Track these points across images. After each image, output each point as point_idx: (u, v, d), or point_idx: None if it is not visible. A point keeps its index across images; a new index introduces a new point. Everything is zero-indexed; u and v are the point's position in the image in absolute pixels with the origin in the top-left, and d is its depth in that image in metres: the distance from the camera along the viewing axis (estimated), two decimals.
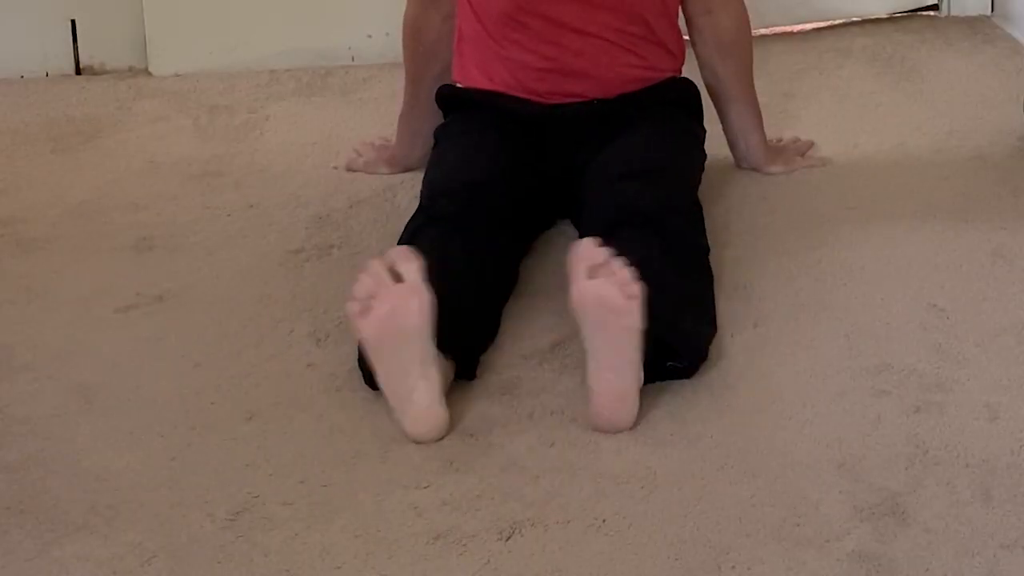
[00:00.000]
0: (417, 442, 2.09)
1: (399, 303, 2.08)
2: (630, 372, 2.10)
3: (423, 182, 2.59)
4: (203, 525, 1.94)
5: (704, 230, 2.50)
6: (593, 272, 2.09)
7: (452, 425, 2.13)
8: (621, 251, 2.32)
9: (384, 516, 1.95)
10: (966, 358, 2.27)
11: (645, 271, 2.28)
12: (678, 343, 2.19)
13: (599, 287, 2.08)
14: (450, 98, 2.77)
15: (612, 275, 2.08)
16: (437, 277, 2.30)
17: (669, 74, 2.74)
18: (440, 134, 2.72)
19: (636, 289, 2.08)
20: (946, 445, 2.06)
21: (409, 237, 2.40)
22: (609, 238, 2.35)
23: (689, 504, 1.96)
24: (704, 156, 2.74)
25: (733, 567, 1.84)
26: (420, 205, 2.48)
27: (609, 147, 2.59)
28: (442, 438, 2.11)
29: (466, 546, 1.89)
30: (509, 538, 1.90)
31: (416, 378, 2.09)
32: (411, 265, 2.11)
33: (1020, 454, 2.04)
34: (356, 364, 2.23)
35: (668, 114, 2.70)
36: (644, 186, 2.46)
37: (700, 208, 2.57)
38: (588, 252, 2.10)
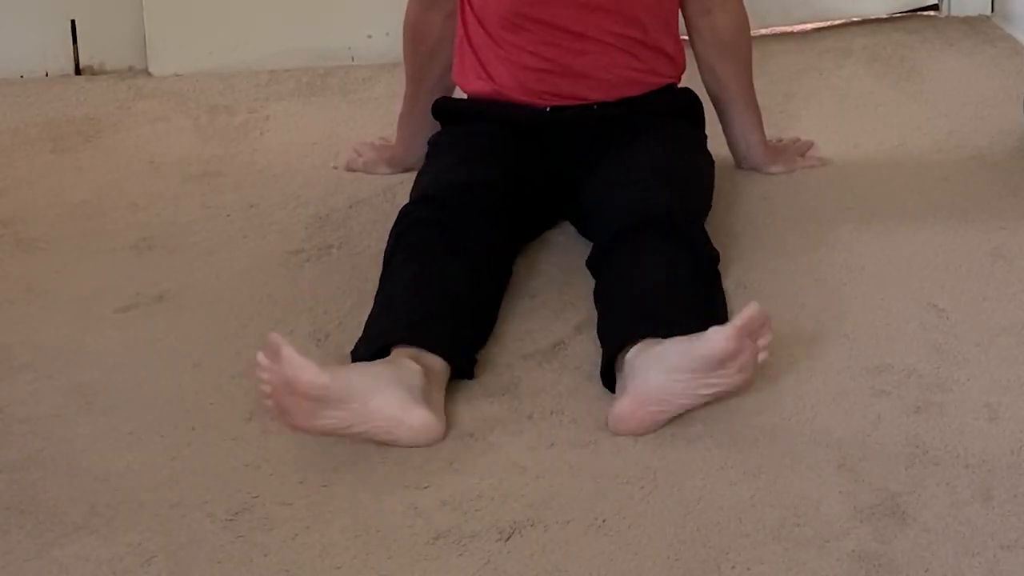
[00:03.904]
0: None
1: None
2: (677, 412, 2.10)
3: (411, 192, 2.59)
4: (203, 525, 1.94)
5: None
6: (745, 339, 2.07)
7: (451, 425, 2.13)
8: (641, 254, 2.32)
9: (384, 516, 1.95)
10: (966, 358, 2.27)
11: (666, 277, 2.28)
12: None
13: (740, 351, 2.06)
14: (446, 112, 2.77)
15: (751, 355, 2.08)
16: (422, 279, 2.31)
17: (669, 79, 2.74)
18: (433, 145, 2.72)
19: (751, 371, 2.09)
20: (946, 445, 2.06)
21: (393, 243, 2.40)
22: (627, 240, 2.36)
23: (689, 504, 1.96)
24: (712, 163, 2.74)
25: (733, 567, 1.84)
26: (400, 211, 2.46)
27: (619, 152, 2.59)
28: (441, 440, 2.10)
29: (466, 546, 1.89)
30: (509, 538, 1.90)
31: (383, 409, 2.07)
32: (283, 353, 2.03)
33: (1020, 454, 2.04)
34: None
35: (673, 123, 2.70)
36: (663, 190, 2.44)
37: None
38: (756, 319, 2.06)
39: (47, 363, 2.34)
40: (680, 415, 2.12)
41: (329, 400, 2.03)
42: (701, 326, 2.18)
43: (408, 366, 2.11)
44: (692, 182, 2.58)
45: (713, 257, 2.41)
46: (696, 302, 2.28)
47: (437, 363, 2.17)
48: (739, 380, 2.09)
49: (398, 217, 2.45)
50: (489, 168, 2.55)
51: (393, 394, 2.07)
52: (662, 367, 2.09)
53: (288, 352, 2.01)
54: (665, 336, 2.12)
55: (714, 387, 2.08)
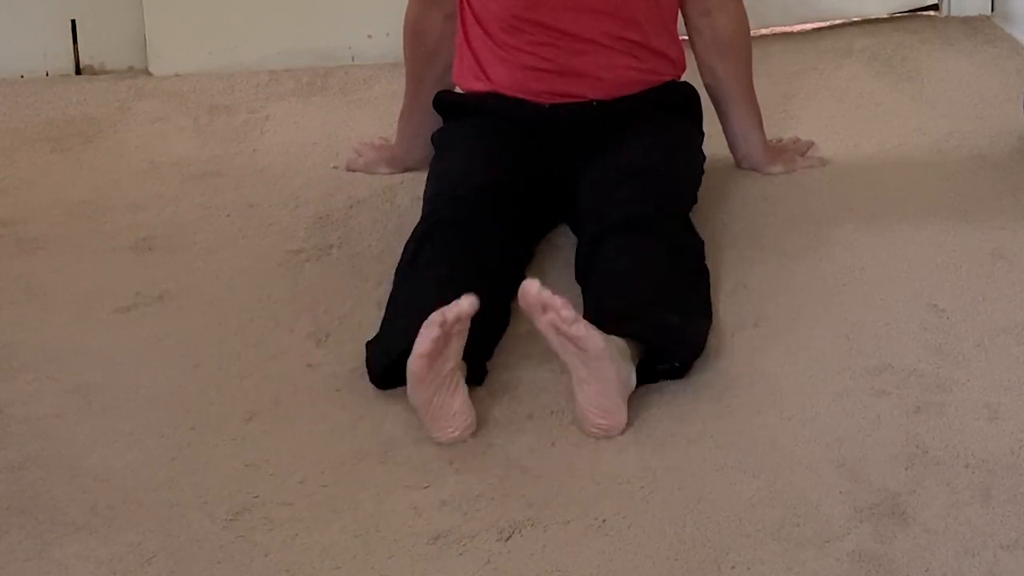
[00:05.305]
0: (443, 443, 2.10)
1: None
2: (613, 388, 2.10)
3: (426, 190, 2.59)
4: (203, 525, 1.94)
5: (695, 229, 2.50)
6: (543, 311, 2.08)
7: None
8: (620, 254, 2.33)
9: (384, 516, 1.95)
10: (966, 358, 2.27)
11: (644, 274, 2.29)
12: (670, 344, 2.19)
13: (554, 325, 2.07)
14: (448, 105, 2.77)
15: (556, 313, 2.07)
16: (450, 281, 2.31)
17: (668, 79, 2.74)
18: (439, 142, 2.72)
19: (576, 324, 2.06)
20: (946, 445, 2.06)
21: (415, 245, 2.40)
22: (607, 240, 2.36)
23: (689, 504, 1.96)
24: (703, 158, 2.74)
25: (733, 567, 1.84)
26: (424, 213, 2.48)
27: (607, 151, 2.59)
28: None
29: (466, 546, 1.89)
30: (509, 538, 1.90)
31: (451, 389, 2.09)
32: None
33: (1020, 454, 2.04)
34: (363, 363, 2.25)
35: (667, 118, 2.70)
36: (643, 190, 2.46)
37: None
38: (533, 298, 2.08)
39: (47, 363, 2.34)
40: (679, 415, 2.13)
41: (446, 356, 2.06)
42: (676, 315, 2.19)
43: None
44: (674, 179, 2.57)
45: (694, 248, 2.41)
46: (673, 293, 2.28)
47: (463, 366, 2.17)
48: (575, 348, 2.07)
49: (423, 215, 2.46)
50: (501, 168, 2.55)
51: (464, 389, 2.11)
52: None
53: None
54: (617, 333, 2.13)
55: (578, 368, 2.09)
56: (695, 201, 2.65)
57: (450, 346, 2.06)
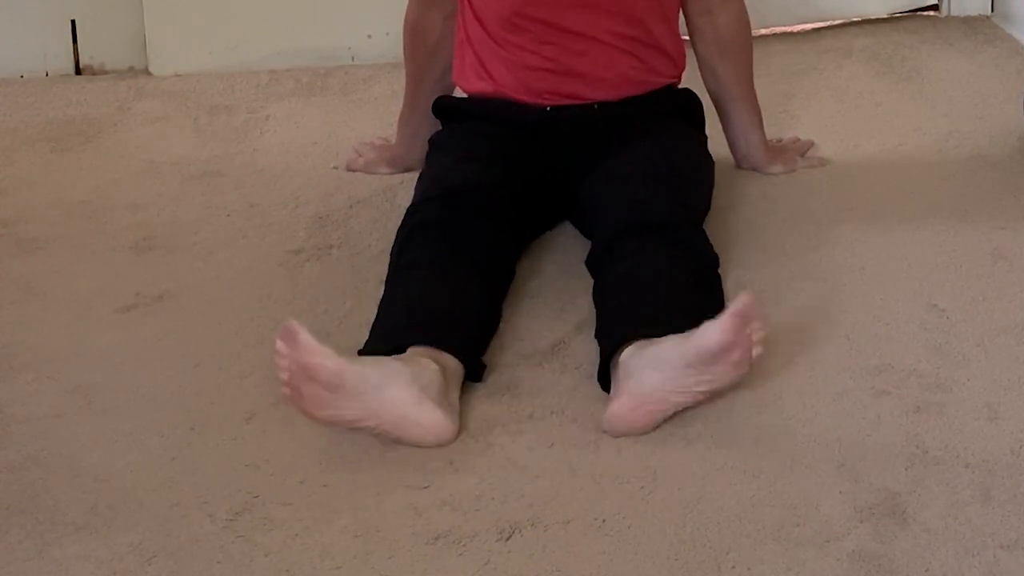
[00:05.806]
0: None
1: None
2: (672, 410, 2.10)
3: (414, 191, 2.59)
4: (203, 525, 1.94)
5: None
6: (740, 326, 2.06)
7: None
8: (640, 255, 2.32)
9: (384, 516, 1.95)
10: (966, 358, 2.27)
11: (665, 279, 2.28)
12: None
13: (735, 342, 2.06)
14: (448, 109, 2.77)
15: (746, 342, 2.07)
16: (432, 280, 2.31)
17: (669, 79, 2.74)
18: (434, 143, 2.72)
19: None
20: (946, 445, 2.06)
21: (398, 249, 2.41)
22: (626, 241, 2.36)
23: (689, 504, 1.96)
24: (712, 163, 2.74)
25: (733, 567, 1.84)
26: (405, 216, 2.47)
27: (620, 152, 2.58)
28: (452, 441, 2.10)
29: (466, 546, 1.89)
30: (509, 538, 1.90)
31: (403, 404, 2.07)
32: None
33: (1020, 454, 2.04)
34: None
35: (673, 123, 2.70)
36: (664, 192, 2.45)
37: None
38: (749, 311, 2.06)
39: (47, 363, 2.34)
40: (680, 414, 2.12)
41: (343, 389, 2.03)
42: (691, 319, 2.19)
43: (427, 365, 2.11)
44: (692, 184, 2.58)
45: (713, 260, 2.41)
46: (694, 304, 2.27)
47: (453, 364, 2.17)
48: (734, 375, 2.10)
49: (404, 217, 2.46)
50: (492, 168, 2.55)
51: (406, 391, 2.07)
52: (657, 365, 2.09)
53: (306, 338, 2.02)
54: (660, 336, 2.12)
55: (709, 383, 2.09)
56: (708, 207, 2.64)
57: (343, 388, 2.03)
